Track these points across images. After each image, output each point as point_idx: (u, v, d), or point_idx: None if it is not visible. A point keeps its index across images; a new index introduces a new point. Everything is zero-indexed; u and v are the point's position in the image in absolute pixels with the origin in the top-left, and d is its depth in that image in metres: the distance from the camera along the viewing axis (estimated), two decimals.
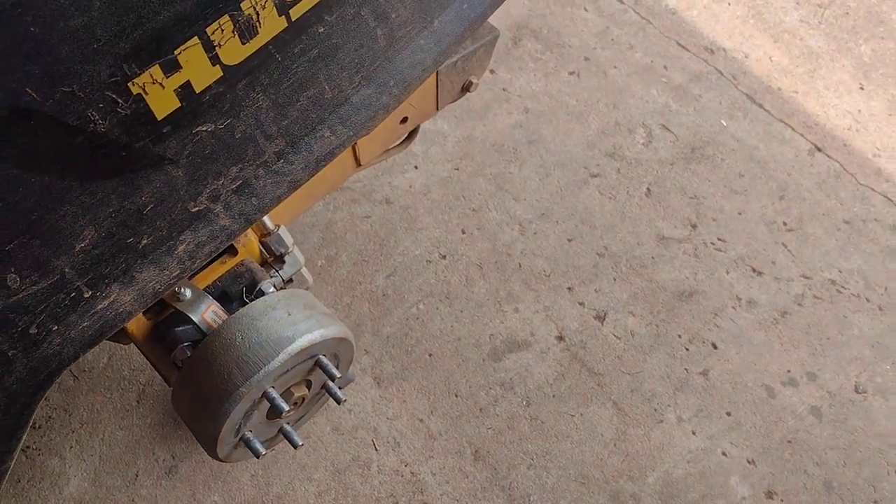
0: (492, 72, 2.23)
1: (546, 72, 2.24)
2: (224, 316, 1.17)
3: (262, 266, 1.27)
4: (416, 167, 2.05)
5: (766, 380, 1.78)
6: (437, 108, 1.53)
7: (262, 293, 1.21)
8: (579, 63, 2.26)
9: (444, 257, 1.93)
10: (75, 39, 0.62)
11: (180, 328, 1.17)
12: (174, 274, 0.80)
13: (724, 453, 1.69)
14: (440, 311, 1.85)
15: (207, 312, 1.16)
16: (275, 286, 1.24)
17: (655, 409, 1.74)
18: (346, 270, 1.89)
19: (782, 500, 1.64)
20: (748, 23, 2.38)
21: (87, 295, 0.74)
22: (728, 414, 1.73)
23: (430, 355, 1.80)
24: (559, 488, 1.65)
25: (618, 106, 2.18)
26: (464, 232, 1.96)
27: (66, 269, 0.71)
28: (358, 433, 1.70)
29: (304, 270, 1.32)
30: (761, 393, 1.76)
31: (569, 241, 1.96)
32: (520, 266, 1.92)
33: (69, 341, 0.74)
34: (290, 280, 1.31)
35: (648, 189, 2.04)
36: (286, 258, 1.27)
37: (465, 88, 1.53)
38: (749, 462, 1.68)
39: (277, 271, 1.27)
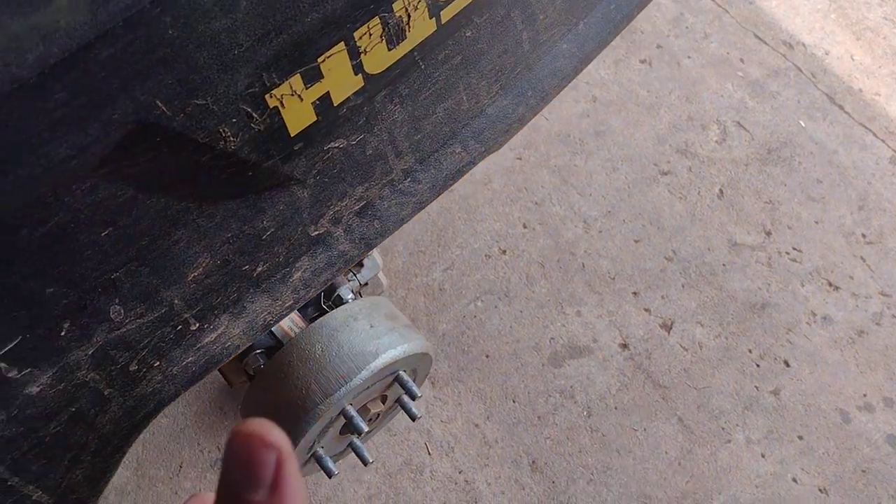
0: None
1: (616, 59, 2.11)
2: (302, 324, 1.08)
3: None
4: None
5: (841, 403, 1.69)
6: None
7: (340, 299, 1.12)
8: (651, 51, 2.14)
9: (504, 252, 1.83)
10: (215, 44, 0.52)
11: None
12: (287, 304, 0.71)
13: (794, 480, 1.61)
14: (499, 309, 1.76)
15: (284, 319, 1.07)
16: (353, 291, 1.15)
17: (723, 428, 1.65)
18: (401, 261, 1.80)
19: None
20: (829, 17, 2.25)
21: (193, 328, 0.65)
22: (800, 438, 1.65)
23: (486, 356, 1.71)
24: None
25: (691, 99, 2.06)
26: (525, 226, 1.86)
27: (176, 300, 0.62)
28: (411, 436, 1.62)
29: (381, 274, 1.23)
30: (835, 417, 1.67)
31: (635, 242, 1.86)
32: (583, 266, 1.82)
33: (170, 378, 0.66)
34: (366, 284, 1.22)
35: (721, 191, 1.93)
36: (365, 261, 1.18)
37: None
38: (821, 490, 1.60)
39: (355, 275, 1.18)
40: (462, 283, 1.79)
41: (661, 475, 1.60)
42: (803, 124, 2.05)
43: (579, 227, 1.87)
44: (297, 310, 1.11)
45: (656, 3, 2.21)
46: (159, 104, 0.52)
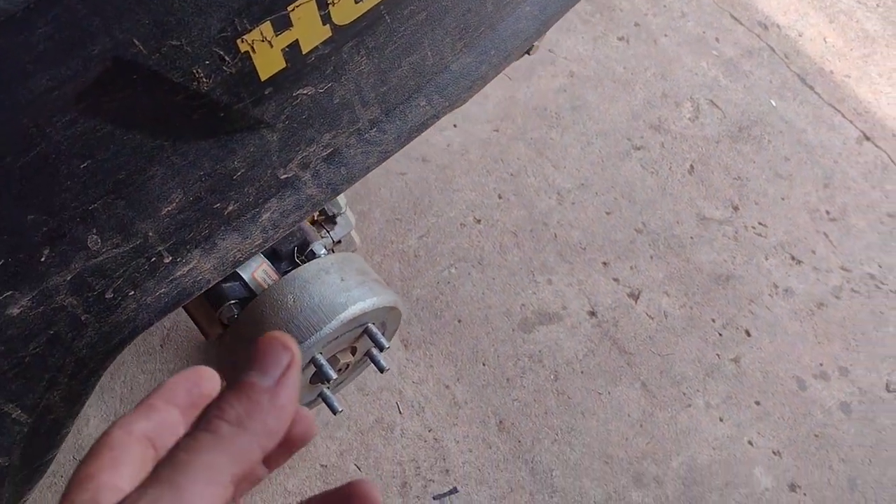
0: None
1: (595, 35, 2.16)
2: (274, 276, 1.13)
3: (313, 226, 1.22)
4: (454, 125, 1.98)
5: (798, 371, 1.75)
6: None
7: (313, 254, 1.16)
8: (629, 28, 2.18)
9: (479, 221, 1.88)
10: None
11: (228, 284, 1.12)
12: (256, 243, 0.75)
13: (750, 442, 1.67)
14: (472, 276, 1.81)
15: (258, 271, 1.12)
16: (325, 247, 1.19)
17: (684, 393, 1.72)
18: (378, 228, 1.84)
19: (805, 494, 1.63)
20: (804, 0, 2.30)
21: (167, 260, 0.69)
22: (757, 403, 1.72)
23: (459, 321, 1.76)
24: (582, 465, 1.64)
25: (666, 76, 2.11)
26: (500, 197, 1.91)
27: (150, 233, 0.66)
28: (383, 395, 1.68)
29: (354, 233, 1.27)
30: (792, 384, 1.74)
31: (607, 214, 1.91)
32: (555, 236, 1.87)
33: (144, 307, 0.70)
34: (339, 241, 1.26)
35: (692, 166, 1.99)
36: (338, 219, 1.22)
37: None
38: (775, 453, 1.67)
39: (328, 232, 1.22)
40: (437, 250, 1.84)
41: (623, 436, 1.67)
42: (774, 104, 2.10)
43: (553, 198, 1.92)
44: (272, 263, 1.16)
45: None
46: (136, 42, 0.56)
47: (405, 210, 1.87)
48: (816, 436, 1.69)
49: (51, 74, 0.53)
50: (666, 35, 2.18)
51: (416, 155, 1.93)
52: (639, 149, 2.00)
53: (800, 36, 2.22)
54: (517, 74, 2.07)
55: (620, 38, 2.16)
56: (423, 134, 1.95)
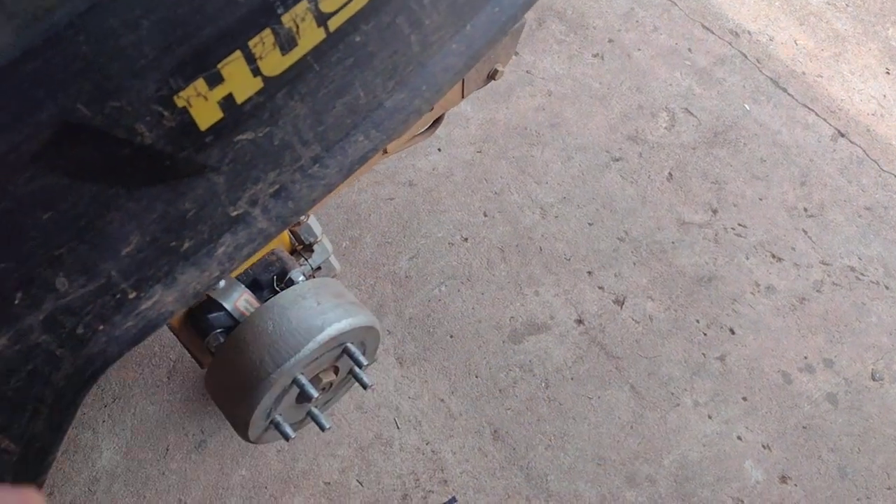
0: (516, 54, 2.23)
1: (570, 54, 2.23)
2: (256, 304, 1.21)
3: (291, 254, 1.30)
4: (439, 150, 2.06)
5: (783, 366, 1.80)
6: (463, 97, 1.54)
7: (292, 282, 1.24)
8: (603, 45, 2.25)
9: (466, 240, 1.95)
10: (124, 57, 0.65)
11: (213, 315, 1.20)
12: (214, 275, 0.83)
13: (739, 438, 1.72)
14: (462, 293, 1.88)
15: (240, 300, 1.20)
16: (304, 274, 1.27)
17: (672, 393, 1.77)
18: (369, 252, 1.92)
19: (796, 485, 1.67)
20: (774, 5, 2.36)
21: (131, 296, 0.77)
22: (744, 399, 1.76)
23: (451, 336, 1.83)
24: (576, 469, 1.69)
25: (641, 89, 2.18)
26: (486, 215, 1.98)
27: (113, 273, 0.75)
28: (381, 412, 1.75)
29: (333, 258, 1.35)
30: (777, 379, 1.78)
31: (589, 225, 1.97)
32: (541, 249, 1.94)
33: (114, 340, 0.78)
34: (319, 268, 1.34)
35: (670, 174, 2.05)
36: (315, 247, 1.30)
37: (491, 76, 1.54)
38: (764, 447, 1.71)
39: (307, 260, 1.30)
40: (427, 270, 1.91)
41: (615, 438, 1.72)
42: (748, 108, 2.16)
43: (536, 213, 1.99)
44: (253, 292, 1.24)
45: (608, 0, 2.33)
46: (80, 107, 0.64)
47: (395, 233, 1.95)
48: (805, 427, 1.73)
49: (5, 139, 0.62)
50: (639, 49, 2.25)
51: (403, 180, 2.01)
52: (618, 160, 2.06)
53: (771, 40, 2.28)
54: (496, 97, 2.15)
55: (595, 55, 2.24)
56: (409, 159, 2.03)
